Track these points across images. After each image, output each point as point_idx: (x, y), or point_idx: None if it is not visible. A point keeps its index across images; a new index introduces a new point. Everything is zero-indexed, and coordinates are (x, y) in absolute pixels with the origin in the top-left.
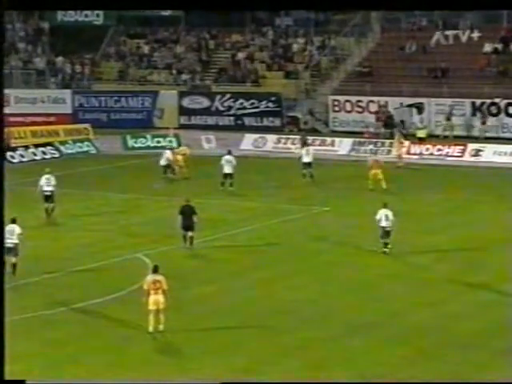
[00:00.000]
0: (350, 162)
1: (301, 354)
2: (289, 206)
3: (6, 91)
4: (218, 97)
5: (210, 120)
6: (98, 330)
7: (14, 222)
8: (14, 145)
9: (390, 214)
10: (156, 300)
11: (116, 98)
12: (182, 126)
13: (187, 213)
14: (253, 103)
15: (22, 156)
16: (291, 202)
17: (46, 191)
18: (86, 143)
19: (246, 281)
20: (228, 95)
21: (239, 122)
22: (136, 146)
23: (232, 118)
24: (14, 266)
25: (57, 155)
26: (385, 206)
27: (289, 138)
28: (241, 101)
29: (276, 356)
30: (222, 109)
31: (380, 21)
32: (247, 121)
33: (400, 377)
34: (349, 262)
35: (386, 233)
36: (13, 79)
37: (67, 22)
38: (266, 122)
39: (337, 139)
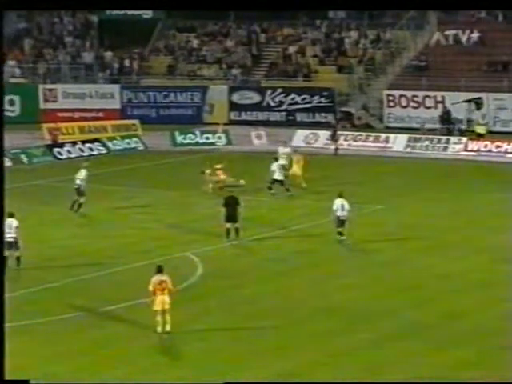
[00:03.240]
0: (405, 159)
1: (353, 356)
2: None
3: (54, 86)
4: (269, 92)
5: (261, 115)
6: (143, 330)
7: (11, 216)
8: (61, 141)
9: (345, 203)
10: (162, 300)
11: (165, 93)
12: (232, 122)
13: (231, 204)
14: (304, 98)
15: (70, 152)
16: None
17: (76, 184)
18: (133, 139)
19: (297, 280)
20: (279, 90)
21: (290, 117)
22: (185, 142)
23: (283, 113)
24: (18, 259)
25: (104, 151)
26: (340, 195)
27: (341, 134)
28: (292, 96)
29: (328, 358)
30: (272, 104)
31: (437, 12)
32: (299, 116)
33: (461, 378)
34: (402, 261)
35: (341, 222)
36: (61, 74)
37: (116, 15)
38: (318, 118)
39: (391, 135)
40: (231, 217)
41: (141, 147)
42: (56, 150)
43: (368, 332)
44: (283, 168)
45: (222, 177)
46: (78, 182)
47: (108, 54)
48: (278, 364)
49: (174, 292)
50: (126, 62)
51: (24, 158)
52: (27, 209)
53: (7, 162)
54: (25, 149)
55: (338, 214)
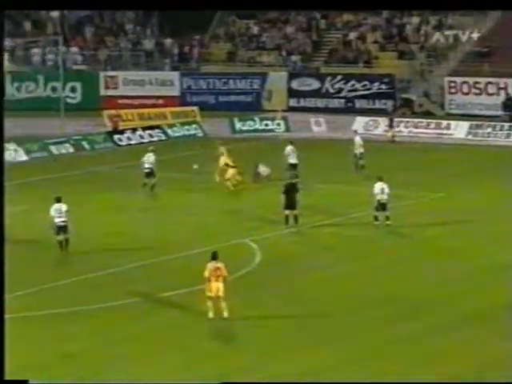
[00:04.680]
0: (467, 146)
1: (414, 343)
2: (402, 192)
3: (115, 73)
4: (329, 78)
5: (320, 102)
6: (201, 317)
7: (58, 201)
8: (121, 127)
9: (385, 187)
10: (216, 287)
11: (224, 79)
12: (291, 109)
13: (290, 191)
14: (364, 85)
15: (130, 139)
16: (404, 187)
17: (146, 168)
18: (193, 126)
19: (355, 268)
20: (339, 77)
21: (350, 104)
22: (244, 128)
23: (342, 100)
24: (67, 241)
25: (164, 138)
26: (380, 179)
27: (401, 122)
28: (352, 82)
29: (388, 344)
30: (332, 91)
31: None
32: (358, 103)
33: None
34: (463, 249)
35: (382, 206)
36: (121, 61)
37: None
38: (378, 105)
39: (453, 122)
40: (290, 204)
41: (200, 134)
42: (116, 136)
43: (429, 320)
44: (360, 157)
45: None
46: (146, 165)
47: (168, 41)
48: (336, 351)
49: (228, 279)
50: (186, 49)
51: (86, 145)
52: (89, 195)
53: (69, 149)
54: (86, 135)
55: (379, 197)
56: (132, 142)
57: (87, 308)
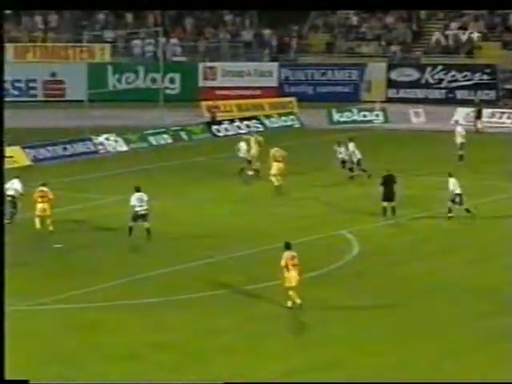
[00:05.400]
0: None
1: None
2: (503, 184)
3: (214, 64)
4: (429, 69)
5: (420, 93)
6: (297, 308)
7: (138, 190)
8: (219, 118)
9: (455, 182)
10: (294, 276)
11: (322, 70)
12: (390, 100)
13: (388, 182)
14: (466, 75)
15: (227, 130)
16: (505, 179)
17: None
18: (290, 117)
19: (453, 260)
20: (439, 67)
21: (450, 95)
22: (341, 120)
23: (443, 90)
24: (148, 230)
25: (261, 129)
26: (450, 175)
27: (504, 113)
28: (453, 73)
29: (484, 339)
30: (432, 81)
31: None
32: (459, 94)
33: None
34: None
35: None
36: (220, 52)
37: None
38: (479, 95)
39: None
40: (388, 195)
41: (297, 125)
42: (214, 127)
43: None
44: (461, 147)
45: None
46: (240, 154)
47: (267, 32)
48: (432, 345)
49: (301, 269)
50: (285, 40)
51: (184, 136)
52: (186, 185)
53: (168, 139)
54: (185, 126)
55: (457, 191)
56: (230, 133)
57: (182, 298)
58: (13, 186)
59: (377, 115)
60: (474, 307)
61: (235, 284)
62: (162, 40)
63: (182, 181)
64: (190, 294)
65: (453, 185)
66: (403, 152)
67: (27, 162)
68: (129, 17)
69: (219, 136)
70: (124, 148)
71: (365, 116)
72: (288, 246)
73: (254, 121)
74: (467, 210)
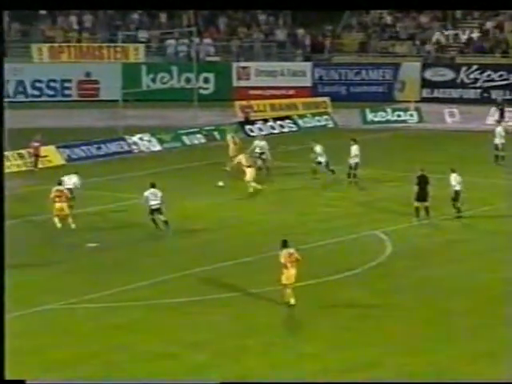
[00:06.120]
0: None
1: None
2: None
3: (247, 64)
4: (464, 68)
5: (454, 93)
6: (332, 308)
7: (153, 186)
8: (253, 118)
9: (459, 178)
10: (293, 273)
11: (356, 70)
12: (424, 100)
13: (422, 183)
14: (501, 75)
15: (261, 129)
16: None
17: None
18: (324, 117)
19: (488, 262)
20: (474, 67)
21: (485, 94)
22: (375, 119)
23: (478, 90)
24: (166, 222)
25: (294, 129)
26: (453, 171)
27: None
28: (488, 73)
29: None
30: (467, 81)
31: None
32: (494, 94)
33: None
34: None
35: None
36: (254, 52)
37: None
38: None
39: None
40: (422, 196)
41: (331, 125)
42: (248, 127)
43: None
44: (502, 148)
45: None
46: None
47: (300, 32)
48: (469, 345)
49: (301, 261)
50: (318, 40)
51: (217, 135)
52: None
53: (201, 139)
54: (218, 126)
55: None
56: (263, 133)
57: (217, 297)
58: (71, 181)
59: (411, 115)
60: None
61: (270, 283)
62: (196, 40)
63: (216, 180)
64: (226, 293)
65: (454, 180)
66: (437, 152)
67: (61, 162)
68: (163, 17)
69: (252, 136)
70: (157, 148)
71: (399, 116)
72: (285, 244)
73: (287, 121)
74: (458, 209)
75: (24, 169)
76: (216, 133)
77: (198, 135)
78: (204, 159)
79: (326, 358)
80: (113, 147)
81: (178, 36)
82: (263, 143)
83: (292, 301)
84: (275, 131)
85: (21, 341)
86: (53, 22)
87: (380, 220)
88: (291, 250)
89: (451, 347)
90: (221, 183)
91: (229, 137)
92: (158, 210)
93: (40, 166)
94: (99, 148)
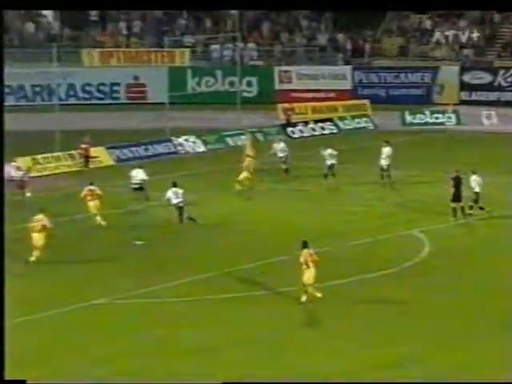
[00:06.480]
0: None
1: None
2: None
3: (289, 68)
4: (502, 72)
5: (492, 96)
6: (368, 306)
7: (175, 185)
8: (294, 120)
9: (479, 180)
10: (313, 273)
11: (395, 73)
12: (462, 102)
13: (457, 184)
14: None
15: (302, 131)
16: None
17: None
18: (363, 119)
19: None
20: None
21: None
22: (414, 122)
23: None
24: (190, 218)
25: (335, 131)
26: (474, 172)
27: None
28: None
29: None
30: (504, 84)
31: None
32: None
33: None
34: None
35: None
36: (296, 56)
37: None
38: None
39: None
40: (457, 196)
41: (370, 127)
42: (289, 129)
43: None
44: None
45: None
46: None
47: (341, 36)
48: (506, 344)
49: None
50: (359, 44)
51: (260, 137)
52: (263, 185)
53: (245, 141)
54: (261, 127)
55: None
56: (304, 135)
57: (261, 294)
58: (138, 176)
59: (449, 117)
60: None
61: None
62: (240, 45)
63: (257, 179)
64: (270, 290)
65: (474, 182)
66: (475, 154)
67: (111, 162)
68: (208, 22)
69: (294, 138)
70: (202, 149)
71: (437, 118)
72: (305, 245)
73: (327, 123)
74: (470, 208)
75: (74, 169)
76: (259, 134)
77: (242, 137)
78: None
79: (362, 355)
80: (159, 148)
81: (222, 41)
82: (282, 145)
83: (304, 298)
84: (316, 133)
85: (67, 335)
86: (103, 27)
87: (417, 220)
88: (311, 251)
89: (488, 345)
90: (239, 187)
91: (247, 139)
92: (181, 208)
93: (90, 166)
94: (146, 149)
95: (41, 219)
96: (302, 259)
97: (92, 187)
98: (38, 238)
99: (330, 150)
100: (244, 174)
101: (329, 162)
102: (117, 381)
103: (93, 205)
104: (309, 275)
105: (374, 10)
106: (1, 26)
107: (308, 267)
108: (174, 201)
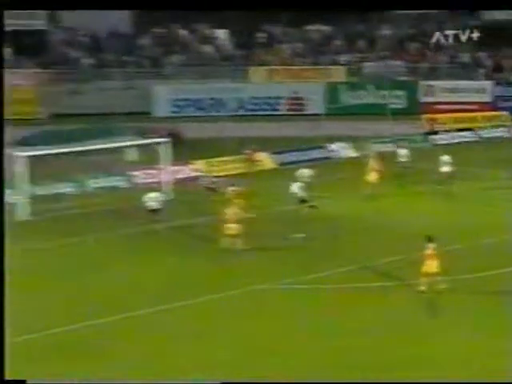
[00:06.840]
0: None
1: None
2: None
3: (433, 82)
4: None
5: None
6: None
7: (295, 181)
8: (436, 129)
9: None
10: (436, 264)
11: None
12: None
13: None
14: None
15: (443, 139)
16: None
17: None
18: (501, 129)
19: None
20: None
21: None
22: None
23: None
24: (312, 206)
25: (475, 139)
26: None
27: None
28: None
29: None
30: None
31: None
32: None
33: None
34: None
35: None
36: (439, 72)
37: (496, 20)
38: None
39: None
40: None
41: (508, 135)
42: (432, 137)
43: None
44: None
45: None
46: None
47: (482, 55)
48: None
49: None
50: (499, 61)
51: (405, 143)
52: (400, 188)
53: (391, 147)
54: (407, 135)
55: None
56: (445, 142)
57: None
58: (306, 175)
59: None
60: None
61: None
62: (389, 62)
63: (394, 184)
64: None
65: None
66: None
67: (273, 166)
68: (361, 43)
69: (436, 144)
70: (353, 154)
71: None
72: (430, 239)
73: (467, 132)
74: None
75: (241, 171)
76: (404, 141)
77: (389, 144)
78: (393, 164)
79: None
80: (315, 154)
81: (373, 59)
82: (405, 151)
83: (423, 288)
84: (455, 141)
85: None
86: (268, 48)
87: None
88: (435, 245)
89: None
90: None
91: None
92: (304, 201)
93: (255, 168)
94: (304, 154)
95: (236, 212)
96: (427, 252)
97: (234, 188)
98: (232, 228)
99: (446, 157)
100: (373, 176)
101: (445, 169)
102: (117, 381)
103: (237, 202)
104: (432, 266)
105: (380, 10)
106: (1, 26)
107: (432, 259)
108: (299, 195)
